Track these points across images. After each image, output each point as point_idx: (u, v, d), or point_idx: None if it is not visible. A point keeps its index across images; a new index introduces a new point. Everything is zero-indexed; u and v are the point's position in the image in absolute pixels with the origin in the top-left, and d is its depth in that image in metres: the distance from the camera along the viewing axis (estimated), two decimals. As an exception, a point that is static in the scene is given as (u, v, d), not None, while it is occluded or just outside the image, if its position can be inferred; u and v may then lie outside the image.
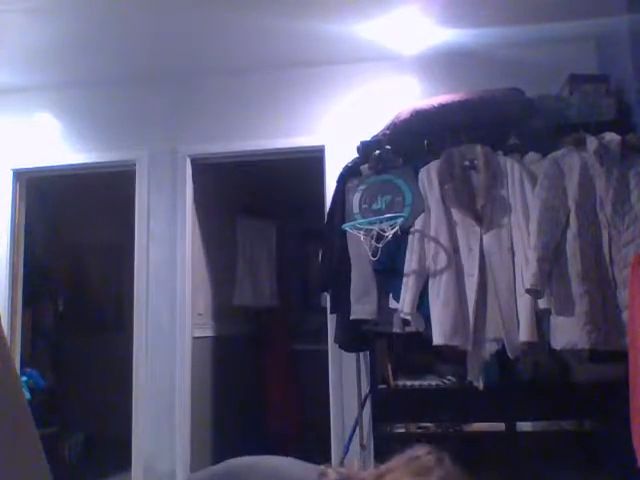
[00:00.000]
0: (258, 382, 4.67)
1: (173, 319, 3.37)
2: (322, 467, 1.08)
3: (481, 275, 2.33)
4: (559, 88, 2.80)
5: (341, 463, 2.87)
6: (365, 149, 2.70)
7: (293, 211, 4.97)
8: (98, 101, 3.59)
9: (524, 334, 2.23)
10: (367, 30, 2.98)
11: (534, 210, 2.30)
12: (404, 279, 2.40)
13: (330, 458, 3.04)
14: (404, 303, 2.38)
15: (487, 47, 2.99)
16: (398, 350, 2.71)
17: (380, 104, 3.23)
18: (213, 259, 3.86)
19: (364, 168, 2.65)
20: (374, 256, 2.41)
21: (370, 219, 2.46)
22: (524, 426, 2.48)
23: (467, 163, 2.46)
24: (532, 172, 2.40)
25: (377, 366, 2.65)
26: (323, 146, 3.33)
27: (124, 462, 3.42)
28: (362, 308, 2.48)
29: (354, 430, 2.87)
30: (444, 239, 2.40)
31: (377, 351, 2.65)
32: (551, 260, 2.23)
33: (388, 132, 2.68)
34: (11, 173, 3.63)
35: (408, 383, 2.63)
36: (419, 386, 2.61)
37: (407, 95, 3.21)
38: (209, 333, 3.76)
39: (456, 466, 1.17)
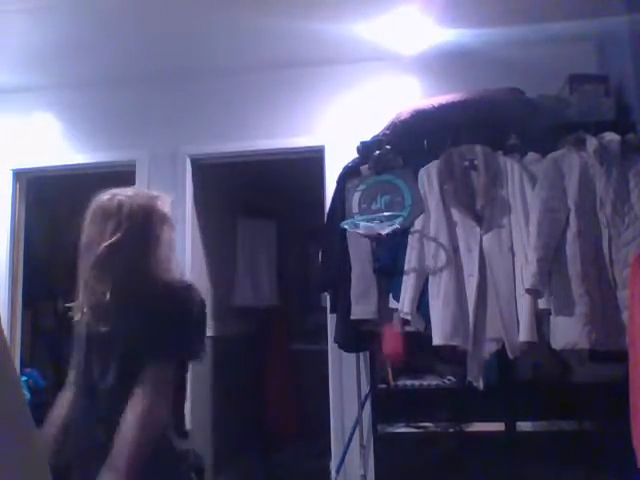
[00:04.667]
0: (258, 382, 4.67)
1: (173, 319, 3.36)
2: None
3: (481, 275, 2.33)
4: (559, 88, 2.80)
5: (341, 463, 2.88)
6: (365, 149, 2.69)
7: (293, 211, 4.96)
8: (98, 101, 3.58)
9: (524, 334, 2.23)
10: (367, 30, 2.97)
11: (534, 210, 2.30)
12: (404, 279, 2.40)
13: (330, 457, 3.04)
14: (404, 303, 2.38)
15: (487, 47, 2.98)
16: (398, 350, 2.71)
17: (380, 104, 3.22)
18: (213, 259, 3.86)
19: (364, 168, 2.65)
20: (374, 256, 2.41)
21: (368, 218, 2.45)
22: (524, 426, 2.48)
23: (467, 163, 2.46)
24: (532, 172, 2.39)
25: (377, 366, 2.65)
26: (323, 146, 3.32)
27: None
28: (362, 308, 2.48)
29: (354, 430, 2.88)
30: (444, 239, 2.40)
31: (377, 351, 2.65)
32: (551, 260, 2.23)
33: (388, 132, 2.68)
34: (11, 173, 3.62)
35: (408, 383, 2.63)
36: (419, 386, 2.61)
37: (407, 95, 3.20)
38: (209, 333, 3.65)
39: None
